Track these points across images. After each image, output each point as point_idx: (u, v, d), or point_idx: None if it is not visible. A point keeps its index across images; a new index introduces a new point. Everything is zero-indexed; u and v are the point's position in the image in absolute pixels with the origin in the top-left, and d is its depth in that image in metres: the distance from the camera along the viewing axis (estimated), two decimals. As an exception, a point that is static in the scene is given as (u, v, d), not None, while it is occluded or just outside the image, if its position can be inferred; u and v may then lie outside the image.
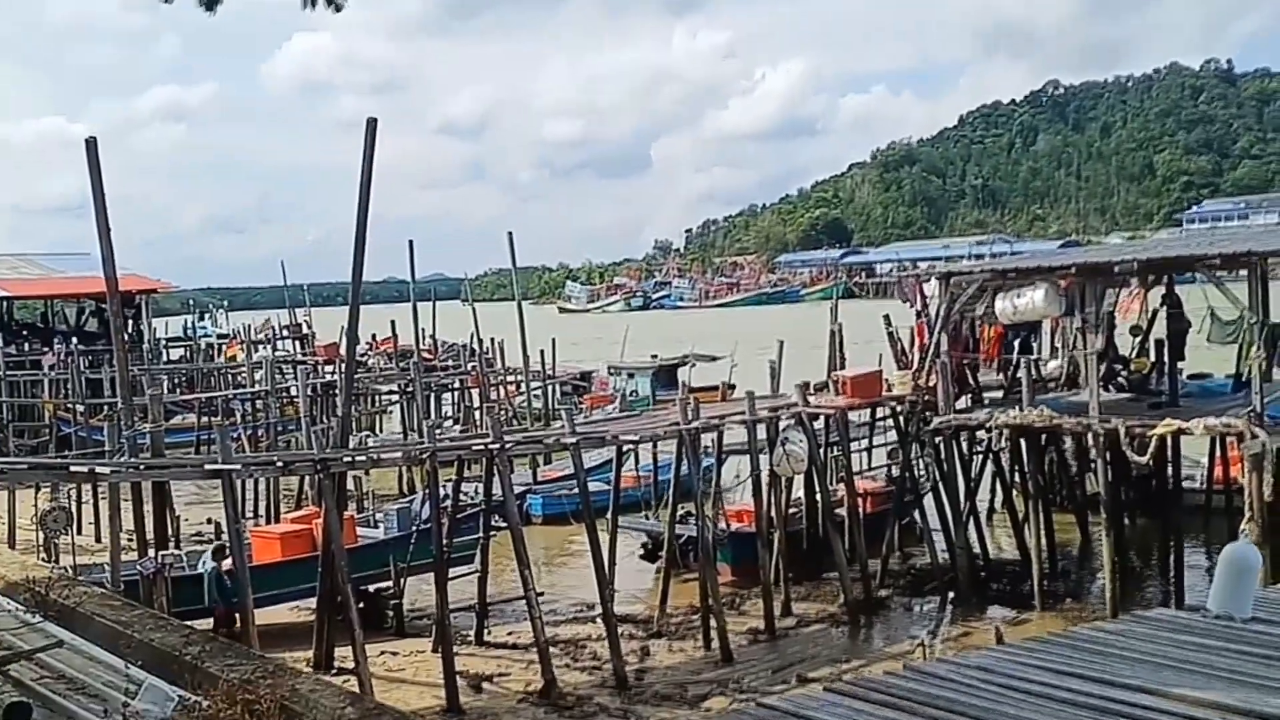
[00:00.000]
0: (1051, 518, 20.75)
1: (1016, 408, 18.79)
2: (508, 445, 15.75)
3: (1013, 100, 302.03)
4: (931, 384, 19.84)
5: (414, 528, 19.79)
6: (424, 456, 15.14)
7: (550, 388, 40.42)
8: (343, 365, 33.47)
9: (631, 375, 52.50)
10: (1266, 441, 15.98)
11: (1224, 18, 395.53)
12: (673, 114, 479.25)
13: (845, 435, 20.32)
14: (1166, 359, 20.16)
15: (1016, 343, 20.19)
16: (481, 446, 15.56)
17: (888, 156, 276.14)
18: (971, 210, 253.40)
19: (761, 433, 19.19)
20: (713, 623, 17.75)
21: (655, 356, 53.56)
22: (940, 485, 20.38)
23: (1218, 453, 23.11)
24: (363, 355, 46.74)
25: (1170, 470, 20.97)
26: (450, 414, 39.93)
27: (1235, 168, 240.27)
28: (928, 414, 20.03)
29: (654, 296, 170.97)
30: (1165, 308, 19.97)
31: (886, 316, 22.07)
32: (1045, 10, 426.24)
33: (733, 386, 51.13)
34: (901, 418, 20.81)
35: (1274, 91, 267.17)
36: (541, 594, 17.99)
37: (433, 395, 35.54)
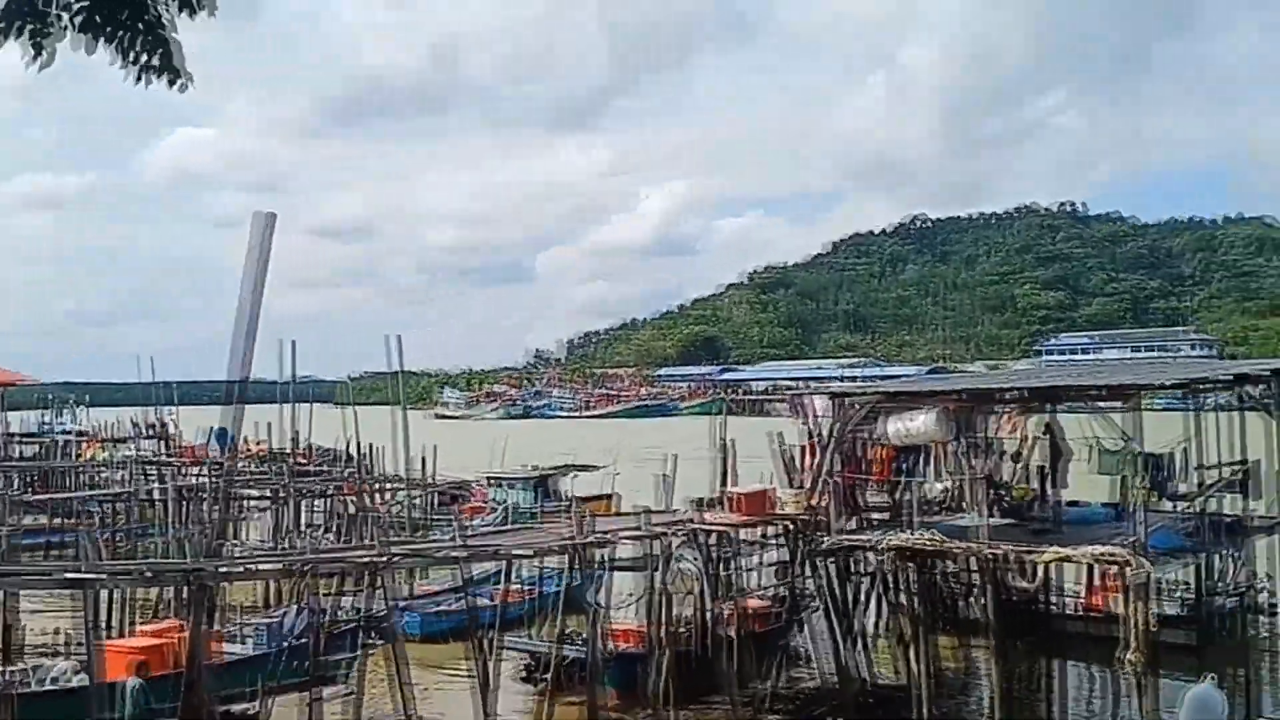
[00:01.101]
0: (936, 642, 20.76)
1: (905, 530, 18.89)
2: (394, 558, 14.99)
3: (882, 230, 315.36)
4: (822, 503, 19.86)
5: (283, 644, 18.67)
6: (304, 569, 14.25)
7: (428, 497, 39.33)
8: (213, 468, 32.32)
9: (511, 485, 51.64)
10: (1149, 571, 16.32)
11: (1077, 165, 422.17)
12: (557, 226, 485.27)
13: (735, 554, 20.09)
14: (1048, 486, 20.62)
15: (905, 465, 20.38)
16: (366, 559, 14.75)
17: (763, 279, 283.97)
18: (842, 333, 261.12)
19: (653, 548, 18.84)
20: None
21: (535, 467, 52.85)
22: (829, 606, 20.24)
23: (1093, 580, 23.50)
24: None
25: (1044, 596, 21.36)
26: (320, 522, 38.43)
27: (1088, 304, 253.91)
28: (817, 534, 19.97)
29: (533, 405, 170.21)
30: (1047, 436, 20.49)
31: (780, 434, 22.11)
32: (913, 148, 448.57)
33: (615, 497, 50.86)
34: (791, 537, 20.68)
35: (1123, 234, 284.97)
36: (421, 717, 17.07)
37: (303, 502, 34.07)
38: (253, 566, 15.11)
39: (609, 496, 51.19)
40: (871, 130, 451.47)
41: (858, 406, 19.62)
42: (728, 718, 19.49)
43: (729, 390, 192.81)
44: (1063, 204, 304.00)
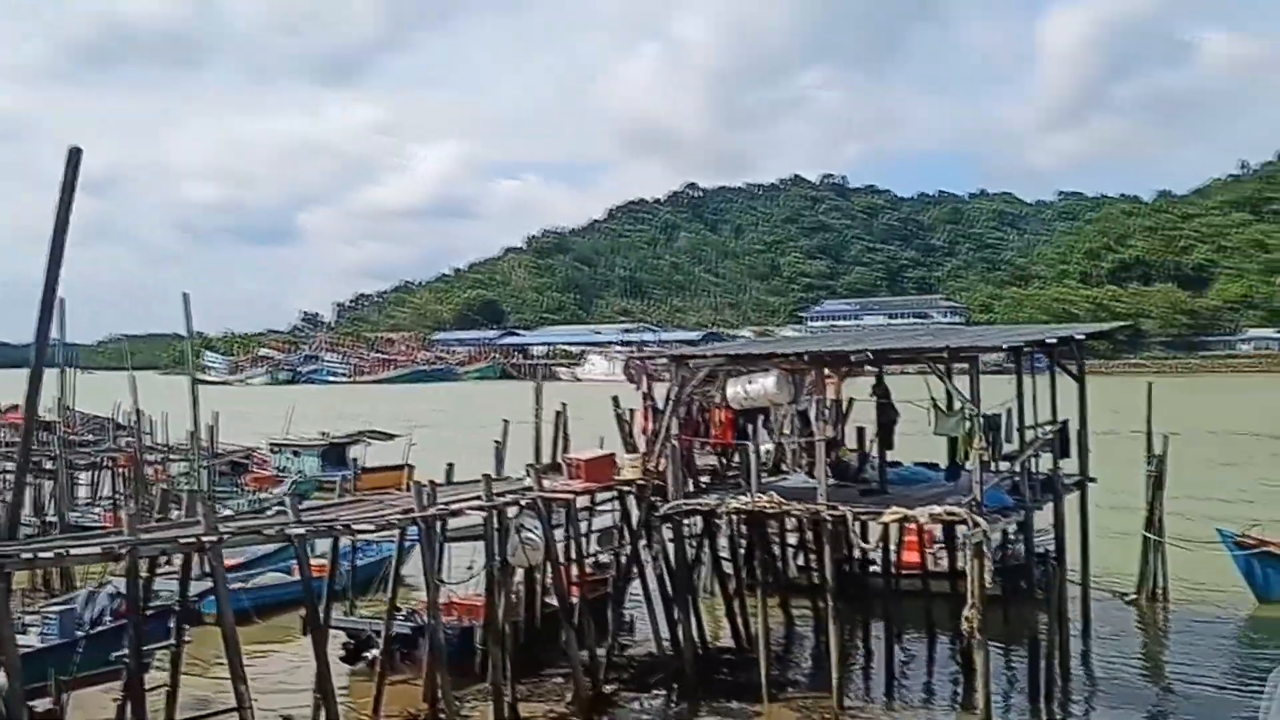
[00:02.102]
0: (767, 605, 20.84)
1: (744, 494, 18.77)
2: (223, 536, 13.52)
3: (656, 199, 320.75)
4: (659, 467, 19.48)
5: (79, 633, 16.73)
6: (122, 552, 12.61)
7: (211, 467, 36.69)
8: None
9: (297, 453, 49.10)
10: (987, 529, 16.76)
11: (838, 140, 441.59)
12: (322, 185, 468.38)
13: (575, 521, 19.45)
14: (874, 448, 20.95)
15: (749, 428, 20.28)
16: (193, 539, 13.21)
17: (542, 243, 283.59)
18: (619, 299, 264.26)
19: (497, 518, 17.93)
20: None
21: (325, 434, 50.47)
22: (664, 572, 19.94)
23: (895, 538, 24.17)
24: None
25: (862, 556, 21.97)
26: (86, 496, 35.23)
27: (849, 272, 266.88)
28: (655, 499, 19.59)
29: (303, 370, 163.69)
30: (875, 398, 20.80)
31: (615, 398, 21.55)
32: (684, 118, 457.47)
33: (412, 467, 49.12)
34: (629, 502, 20.21)
35: (880, 206, 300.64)
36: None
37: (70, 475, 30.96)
38: (65, 551, 13.19)
39: (403, 467, 49.56)
40: (644, 99, 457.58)
41: (697, 369, 19.32)
42: (567, 689, 18.91)
43: (509, 355, 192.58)
44: (826, 176, 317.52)
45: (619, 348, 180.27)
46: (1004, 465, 18.25)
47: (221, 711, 14.75)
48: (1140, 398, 25.42)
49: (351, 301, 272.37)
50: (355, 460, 49.76)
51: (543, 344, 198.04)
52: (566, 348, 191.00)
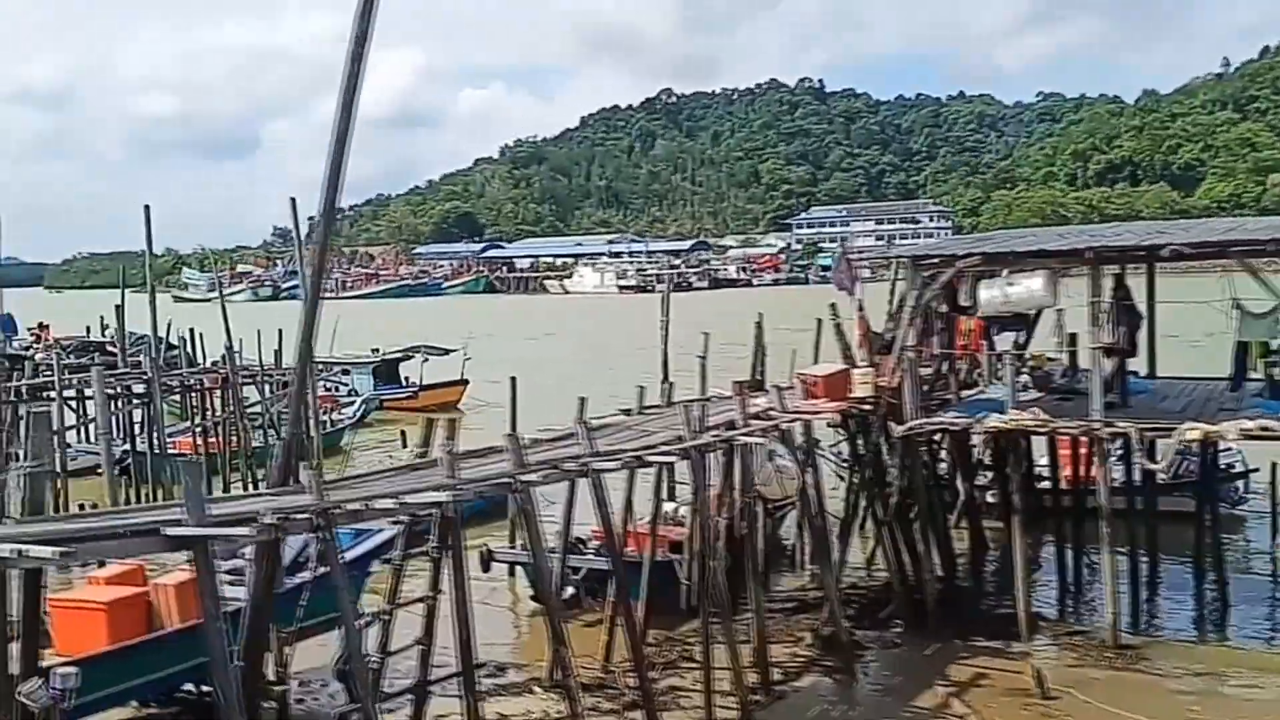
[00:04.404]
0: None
1: (1002, 410, 16.68)
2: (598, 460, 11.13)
3: (630, 105, 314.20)
4: (894, 383, 17.31)
5: (293, 579, 14.40)
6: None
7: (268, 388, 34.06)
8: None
9: (346, 371, 46.62)
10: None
11: (813, 42, 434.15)
12: (283, 95, 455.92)
13: (812, 446, 17.26)
14: (1078, 356, 18.92)
15: (1000, 338, 18.11)
16: (508, 479, 10.53)
17: (516, 154, 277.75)
18: (597, 209, 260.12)
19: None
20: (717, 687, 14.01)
21: (376, 350, 47.91)
22: (906, 498, 17.90)
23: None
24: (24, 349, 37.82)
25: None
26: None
27: (829, 178, 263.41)
28: (889, 420, 17.46)
29: (284, 286, 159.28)
30: (1116, 300, 18.65)
31: (833, 305, 19.14)
32: (646, 20, 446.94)
33: (468, 382, 46.80)
34: (859, 423, 18.03)
35: (858, 110, 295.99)
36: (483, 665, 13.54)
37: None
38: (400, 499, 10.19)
39: (461, 383, 47.20)
40: (606, 2, 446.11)
41: (941, 271, 17.02)
42: (796, 626, 16.98)
43: (493, 268, 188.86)
44: (802, 80, 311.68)
45: (607, 259, 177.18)
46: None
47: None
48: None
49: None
50: (407, 378, 47.55)
51: (527, 256, 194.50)
52: (551, 260, 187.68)
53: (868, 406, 17.33)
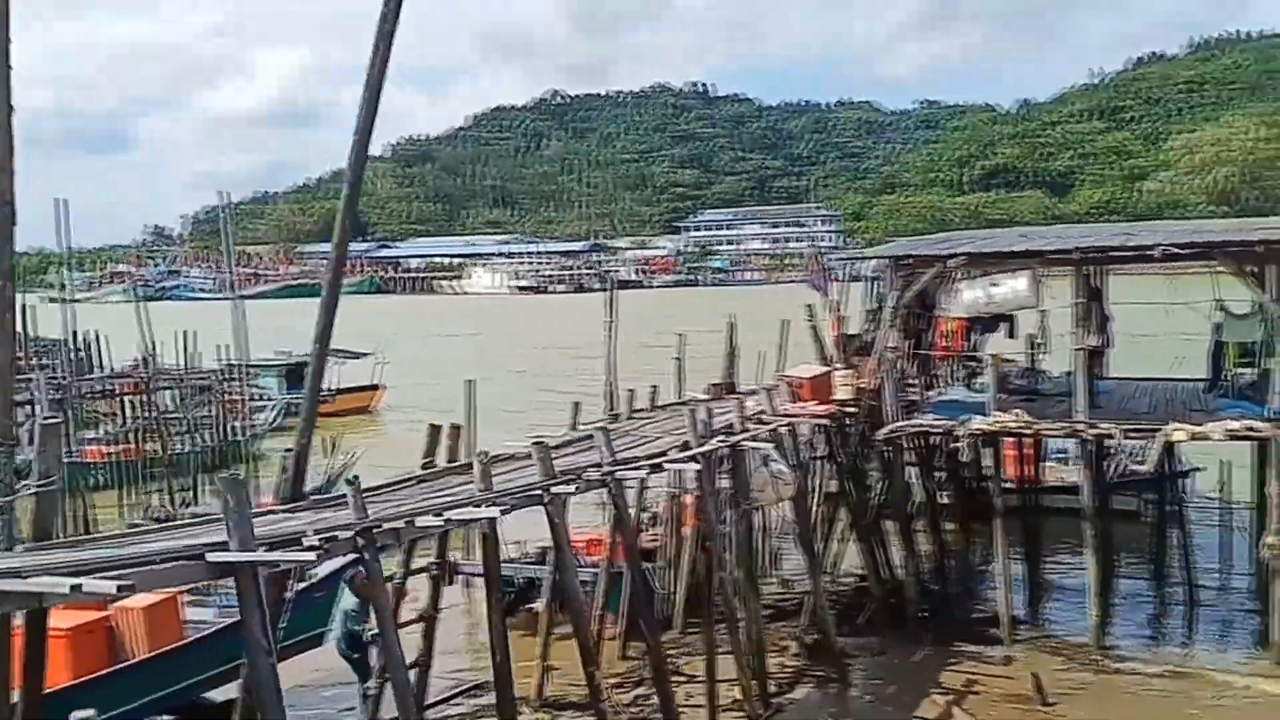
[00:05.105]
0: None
1: (983, 412, 16.55)
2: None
3: (520, 106, 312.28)
4: (876, 385, 17.04)
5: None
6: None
7: (183, 392, 32.35)
8: None
9: (254, 375, 44.61)
10: (1291, 445, 15.04)
11: (701, 48, 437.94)
12: (162, 91, 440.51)
13: (796, 450, 16.85)
14: (1036, 356, 19.04)
15: (979, 338, 17.97)
16: (539, 491, 9.73)
17: (405, 152, 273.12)
18: (488, 209, 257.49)
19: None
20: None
21: (289, 352, 46.01)
22: (884, 502, 17.64)
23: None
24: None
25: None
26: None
27: (719, 182, 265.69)
28: (869, 421, 17.17)
29: (166, 286, 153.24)
30: (1082, 300, 18.69)
31: (809, 307, 18.75)
32: (537, 21, 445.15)
33: (384, 387, 45.40)
34: (837, 425, 17.67)
35: (745, 115, 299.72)
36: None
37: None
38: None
39: (376, 387, 45.80)
40: (497, 3, 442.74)
41: (922, 272, 16.78)
42: (780, 635, 16.59)
43: (382, 268, 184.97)
44: (692, 84, 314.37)
45: (501, 259, 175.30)
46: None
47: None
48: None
49: (205, 213, 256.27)
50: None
51: (417, 256, 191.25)
52: (443, 260, 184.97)
53: (852, 409, 17.01)
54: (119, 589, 5.94)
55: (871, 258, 17.63)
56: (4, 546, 7.59)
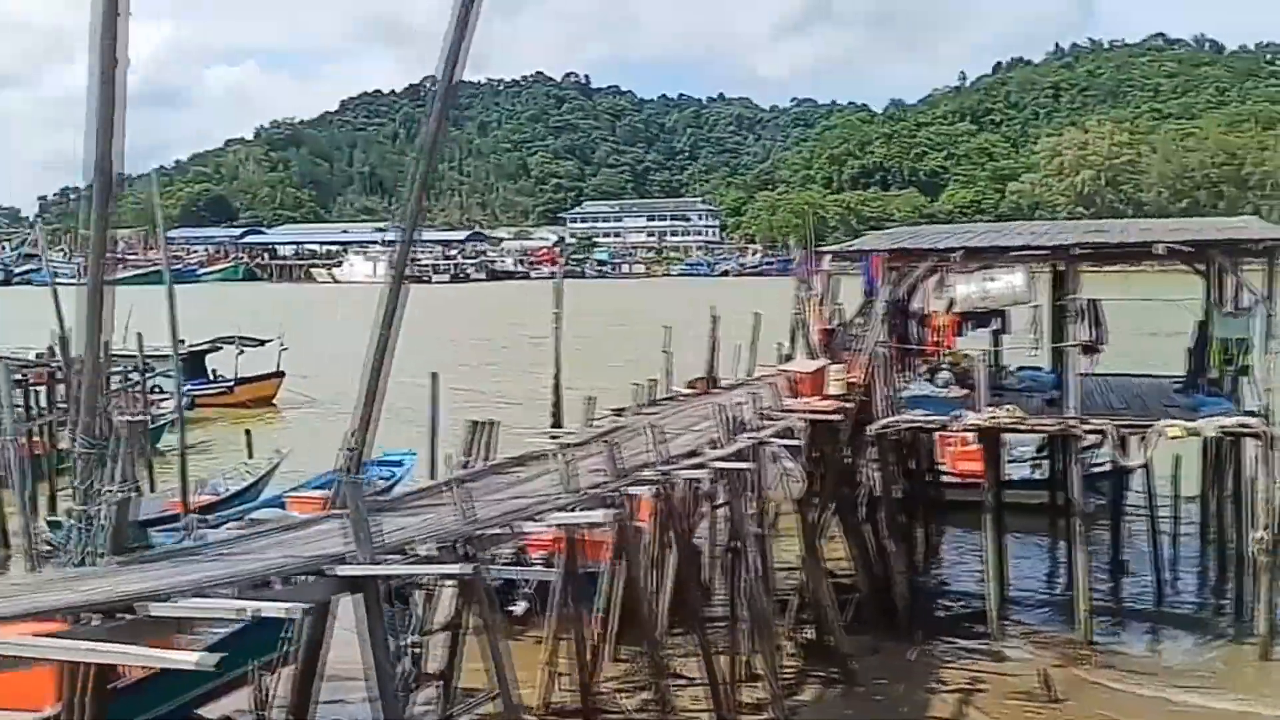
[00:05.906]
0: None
1: (977, 408, 16.46)
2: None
3: (393, 91, 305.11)
4: (867, 381, 16.78)
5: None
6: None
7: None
8: None
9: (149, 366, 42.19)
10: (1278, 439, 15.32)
11: (578, 39, 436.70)
12: (8, 67, 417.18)
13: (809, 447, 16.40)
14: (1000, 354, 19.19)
15: (977, 333, 17.83)
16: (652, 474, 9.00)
17: (272, 135, 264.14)
18: (361, 196, 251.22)
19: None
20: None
21: (183, 341, 43.60)
22: (863, 500, 17.41)
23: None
24: None
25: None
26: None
27: (597, 174, 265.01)
28: (860, 418, 16.89)
29: (17, 271, 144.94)
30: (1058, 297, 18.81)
31: (799, 299, 18.37)
32: (411, 5, 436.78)
33: (283, 374, 43.60)
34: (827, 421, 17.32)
35: (623, 108, 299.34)
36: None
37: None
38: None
39: (277, 375, 43.93)
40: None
41: (914, 266, 16.58)
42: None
43: (253, 255, 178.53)
44: (569, 75, 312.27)
45: (379, 247, 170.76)
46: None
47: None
48: None
49: (57, 195, 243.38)
50: (215, 370, 43.82)
51: (290, 243, 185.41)
52: (316, 247, 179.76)
53: (848, 404, 16.73)
54: (287, 611, 5.12)
55: (870, 251, 17.38)
56: (75, 561, 6.58)
